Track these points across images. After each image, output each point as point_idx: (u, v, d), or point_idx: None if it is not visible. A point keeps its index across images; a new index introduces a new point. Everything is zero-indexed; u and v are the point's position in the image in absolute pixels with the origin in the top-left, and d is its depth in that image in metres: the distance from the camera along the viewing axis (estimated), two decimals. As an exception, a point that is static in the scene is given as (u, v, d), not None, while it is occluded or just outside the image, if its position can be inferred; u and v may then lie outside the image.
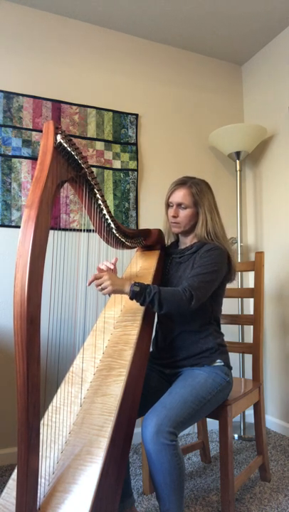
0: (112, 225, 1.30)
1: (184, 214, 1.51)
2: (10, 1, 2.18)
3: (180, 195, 1.50)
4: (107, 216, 1.27)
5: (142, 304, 1.30)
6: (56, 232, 2.19)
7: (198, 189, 1.50)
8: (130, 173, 2.37)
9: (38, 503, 0.93)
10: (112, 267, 1.46)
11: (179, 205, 1.51)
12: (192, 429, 2.37)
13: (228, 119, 2.74)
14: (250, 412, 2.55)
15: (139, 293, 1.28)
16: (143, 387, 1.41)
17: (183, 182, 1.52)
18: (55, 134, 0.98)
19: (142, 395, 1.39)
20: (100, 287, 1.28)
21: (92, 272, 2.20)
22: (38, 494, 0.95)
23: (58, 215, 2.18)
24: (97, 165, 2.29)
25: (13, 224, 2.07)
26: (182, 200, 1.49)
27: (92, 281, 1.29)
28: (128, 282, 1.30)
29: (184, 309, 1.32)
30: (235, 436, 2.30)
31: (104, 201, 1.23)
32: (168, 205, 1.56)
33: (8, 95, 2.12)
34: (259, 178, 2.63)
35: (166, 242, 1.69)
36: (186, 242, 1.59)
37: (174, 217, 1.52)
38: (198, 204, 1.50)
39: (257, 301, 1.84)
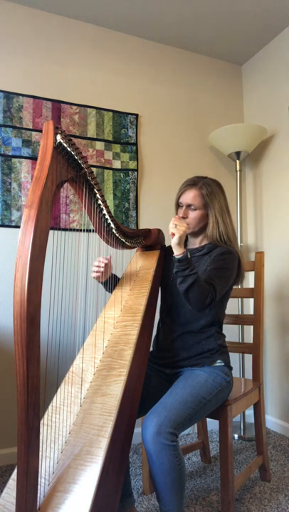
0: (112, 225, 1.30)
1: (193, 215, 1.49)
2: (10, 1, 2.18)
3: (190, 197, 1.48)
4: (107, 216, 1.26)
5: (177, 272, 1.30)
6: (56, 232, 2.19)
7: (209, 190, 1.48)
8: (130, 173, 2.37)
9: (38, 503, 0.93)
10: (106, 261, 1.48)
11: (188, 206, 1.49)
12: (192, 429, 2.37)
13: (228, 119, 2.74)
14: (250, 412, 2.55)
15: (188, 260, 1.29)
16: (143, 387, 1.41)
17: (194, 182, 1.50)
18: (55, 134, 0.98)
19: (141, 395, 1.39)
20: (176, 226, 1.30)
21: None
22: (38, 494, 0.95)
23: (58, 215, 2.18)
24: (97, 165, 2.29)
25: (13, 224, 2.07)
26: (192, 201, 1.48)
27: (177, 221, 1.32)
28: (184, 248, 1.33)
29: (200, 307, 1.31)
30: (235, 436, 2.30)
31: (104, 201, 1.23)
32: (178, 205, 1.55)
33: (8, 95, 2.12)
34: (259, 178, 2.63)
35: None
36: (196, 242, 1.58)
37: (184, 218, 1.51)
38: (208, 206, 1.48)
39: (257, 301, 1.84)
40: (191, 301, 1.31)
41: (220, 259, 1.42)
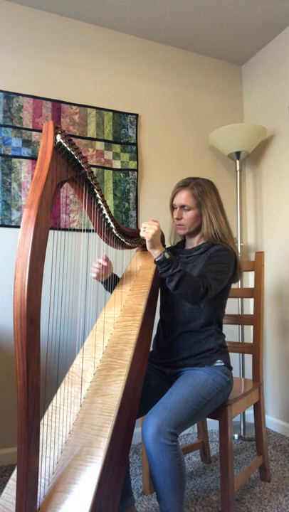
0: (112, 225, 1.30)
1: (187, 216, 1.52)
2: (10, 1, 2.18)
3: (182, 197, 1.51)
4: (107, 216, 1.26)
5: (161, 273, 1.29)
6: (56, 232, 2.19)
7: (201, 190, 1.50)
8: (130, 173, 2.37)
9: (38, 503, 0.93)
10: (105, 264, 1.50)
11: (182, 207, 1.52)
12: (192, 429, 2.37)
13: (228, 119, 2.74)
14: (250, 412, 2.55)
15: (167, 261, 1.27)
16: (143, 387, 1.41)
17: (185, 184, 1.52)
18: (55, 133, 0.98)
19: (141, 395, 1.39)
20: (145, 229, 1.28)
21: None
22: (38, 494, 0.95)
23: (58, 215, 2.18)
24: (97, 165, 2.29)
25: (13, 224, 2.07)
26: (185, 202, 1.50)
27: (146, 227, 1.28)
28: (162, 247, 1.30)
29: (195, 300, 1.31)
30: (235, 436, 2.30)
31: (104, 201, 1.23)
32: (172, 207, 1.58)
33: (8, 95, 2.12)
34: (259, 178, 2.63)
35: (172, 241, 1.70)
36: (193, 242, 1.60)
37: (178, 219, 1.54)
38: (201, 205, 1.50)
39: (257, 301, 1.84)
40: (184, 296, 1.31)
41: (216, 255, 1.44)
